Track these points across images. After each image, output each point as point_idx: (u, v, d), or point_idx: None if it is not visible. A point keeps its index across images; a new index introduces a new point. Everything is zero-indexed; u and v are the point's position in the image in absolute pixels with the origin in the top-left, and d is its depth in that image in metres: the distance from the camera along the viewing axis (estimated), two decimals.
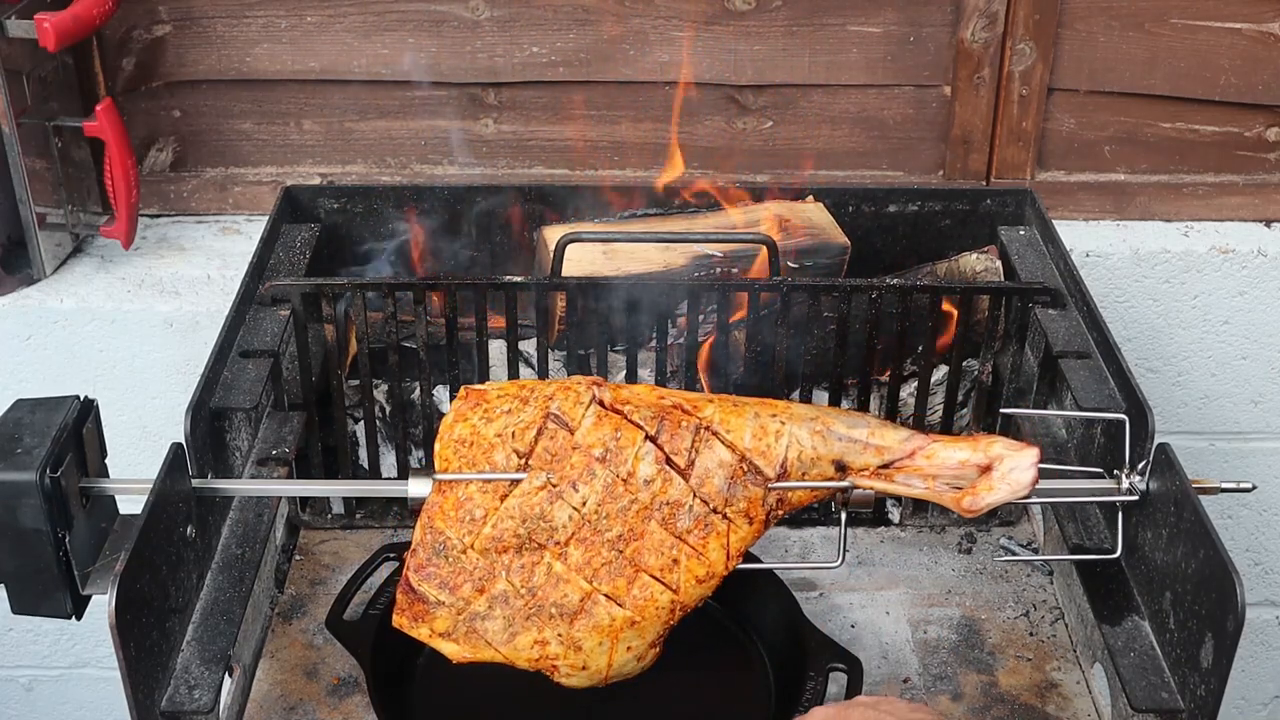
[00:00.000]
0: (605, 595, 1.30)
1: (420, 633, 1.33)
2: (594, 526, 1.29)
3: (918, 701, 1.40)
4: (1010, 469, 1.30)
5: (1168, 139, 2.11)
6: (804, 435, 1.31)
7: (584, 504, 1.29)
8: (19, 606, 1.24)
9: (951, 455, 1.31)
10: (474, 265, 1.91)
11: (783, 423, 1.31)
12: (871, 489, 1.34)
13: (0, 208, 1.90)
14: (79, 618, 1.26)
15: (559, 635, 1.32)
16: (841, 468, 1.32)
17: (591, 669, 1.34)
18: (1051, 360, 1.59)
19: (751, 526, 1.31)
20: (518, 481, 1.28)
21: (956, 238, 1.89)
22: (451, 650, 1.33)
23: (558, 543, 1.30)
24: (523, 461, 1.29)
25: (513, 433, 1.29)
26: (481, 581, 1.30)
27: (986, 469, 1.31)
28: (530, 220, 1.88)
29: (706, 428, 1.31)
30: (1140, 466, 1.35)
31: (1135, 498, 1.35)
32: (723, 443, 1.30)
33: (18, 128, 1.85)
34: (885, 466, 1.32)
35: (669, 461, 1.29)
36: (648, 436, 1.30)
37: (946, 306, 1.67)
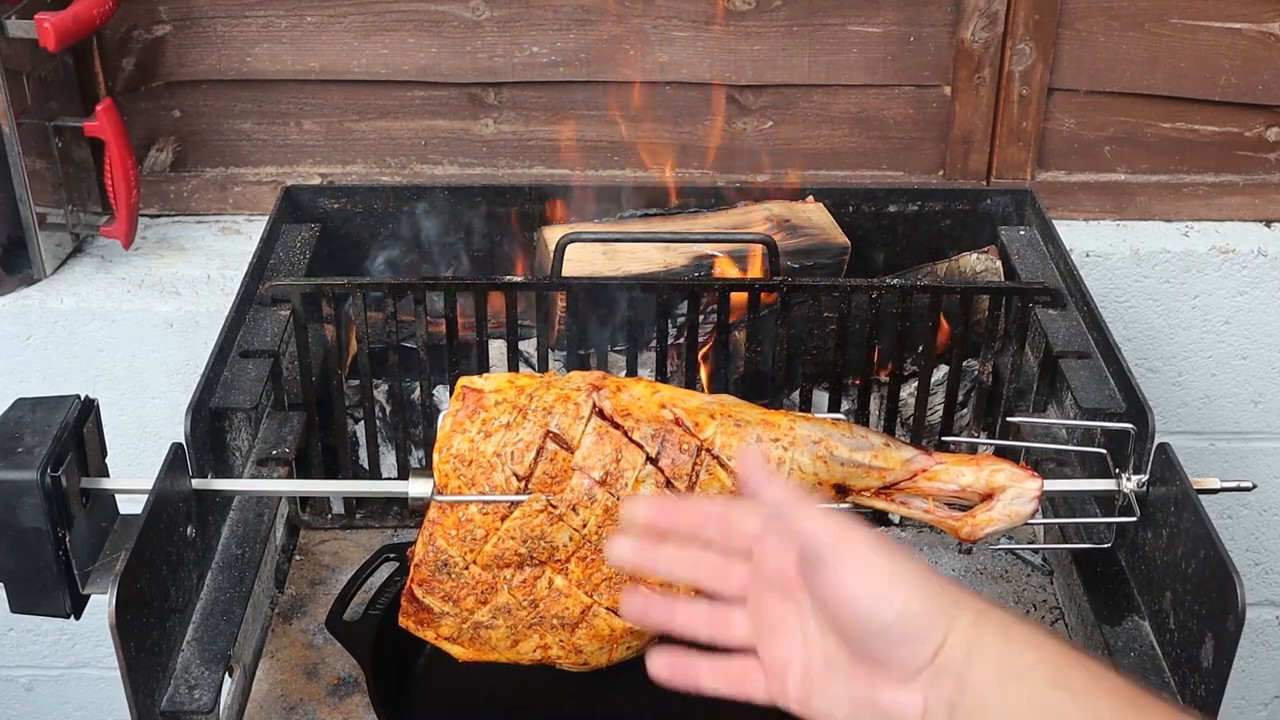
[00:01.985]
0: (606, 608, 1.31)
1: (426, 635, 1.34)
2: (594, 545, 1.29)
3: None
4: (1012, 499, 1.31)
5: (1168, 139, 2.11)
6: (806, 461, 1.30)
7: (584, 526, 1.28)
8: (17, 605, 1.24)
9: (955, 479, 1.31)
10: (474, 265, 1.91)
11: (785, 448, 1.30)
12: (871, 508, 1.34)
13: (0, 208, 1.90)
14: (77, 617, 1.26)
15: (560, 641, 1.32)
16: (843, 490, 1.32)
17: (593, 664, 1.35)
18: (1051, 360, 1.59)
19: None
20: (518, 502, 1.29)
21: (956, 238, 1.89)
22: (457, 652, 1.34)
23: (558, 560, 1.30)
24: (522, 484, 1.28)
25: (511, 453, 1.28)
26: (485, 594, 1.31)
27: (988, 496, 1.31)
28: (530, 220, 1.88)
29: (707, 450, 1.30)
30: (1139, 481, 1.35)
31: (1134, 519, 1.35)
32: (724, 468, 1.30)
33: (18, 128, 1.85)
34: (887, 488, 1.32)
35: (669, 485, 1.29)
36: (648, 458, 1.29)
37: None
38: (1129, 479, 1.35)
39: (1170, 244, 2.08)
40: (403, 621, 1.34)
